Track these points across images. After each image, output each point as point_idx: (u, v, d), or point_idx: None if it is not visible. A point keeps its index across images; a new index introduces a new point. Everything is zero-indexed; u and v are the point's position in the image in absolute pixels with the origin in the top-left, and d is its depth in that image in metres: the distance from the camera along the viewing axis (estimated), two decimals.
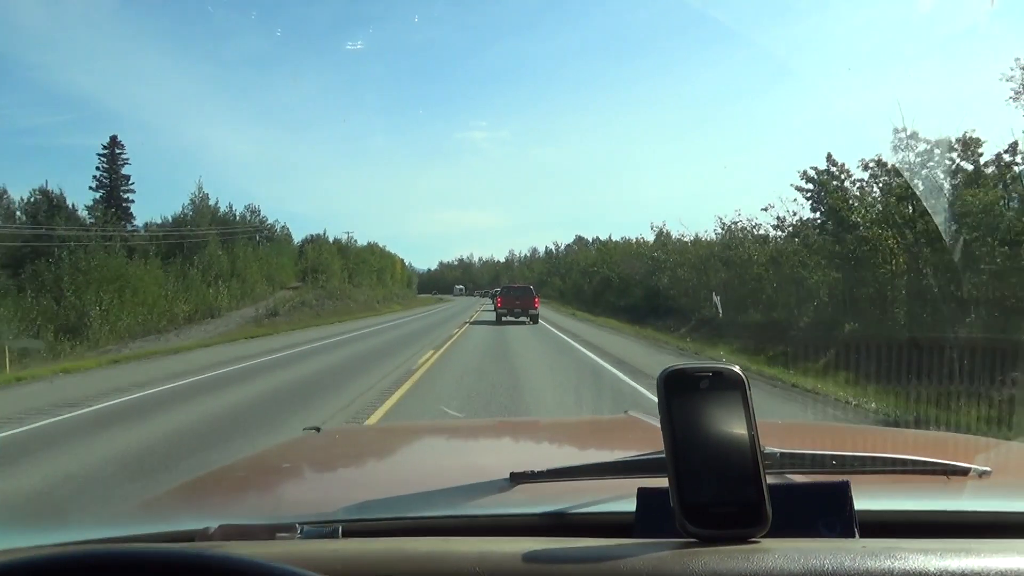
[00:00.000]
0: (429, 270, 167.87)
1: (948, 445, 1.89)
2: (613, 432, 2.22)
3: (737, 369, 0.86)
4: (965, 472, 1.13)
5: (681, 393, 0.85)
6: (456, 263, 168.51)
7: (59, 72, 71.87)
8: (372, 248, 77.51)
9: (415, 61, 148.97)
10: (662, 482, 0.86)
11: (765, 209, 25.01)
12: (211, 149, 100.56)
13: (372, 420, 8.54)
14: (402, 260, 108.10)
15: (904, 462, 1.16)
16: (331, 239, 65.12)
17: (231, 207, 67.19)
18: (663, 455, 0.85)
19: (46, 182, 45.13)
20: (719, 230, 29.93)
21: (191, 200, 53.06)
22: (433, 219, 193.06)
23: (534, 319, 31.60)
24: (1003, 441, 2.19)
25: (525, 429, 2.69)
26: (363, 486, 1.50)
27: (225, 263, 42.28)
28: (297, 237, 61.93)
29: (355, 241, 67.00)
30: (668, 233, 34.54)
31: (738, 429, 0.84)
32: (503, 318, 32.18)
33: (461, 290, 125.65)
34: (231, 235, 49.42)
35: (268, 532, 0.98)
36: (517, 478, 1.15)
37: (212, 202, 54.80)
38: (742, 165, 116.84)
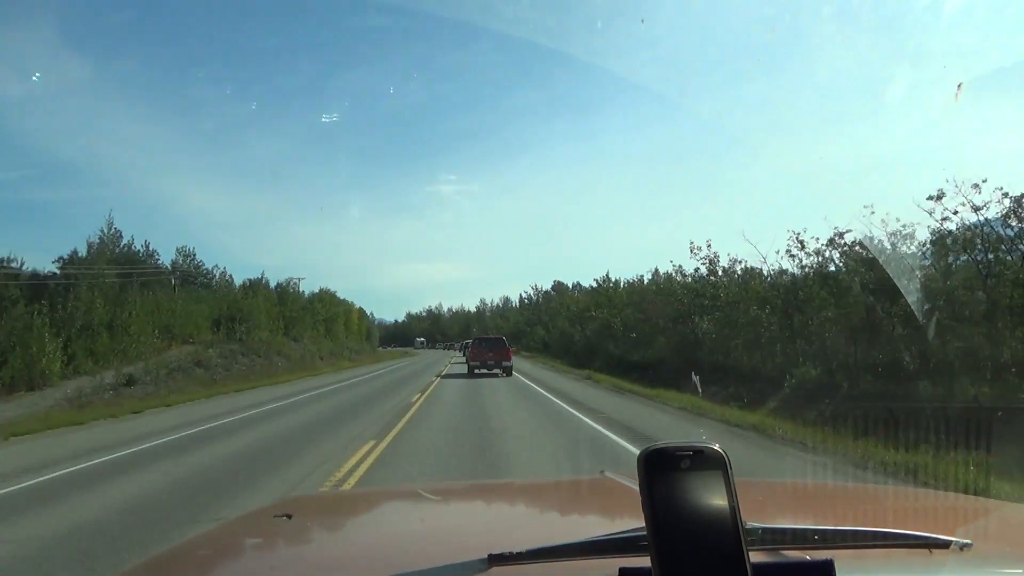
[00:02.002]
0: (396, 322, 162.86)
1: (929, 513, 1.87)
2: (591, 498, 2.21)
3: (718, 447, 0.86)
4: (947, 545, 1.12)
5: (662, 472, 0.84)
6: (424, 314, 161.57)
7: (35, 134, 70.34)
8: (322, 296, 66.34)
9: (386, 119, 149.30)
10: (644, 561, 0.85)
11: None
12: (183, 204, 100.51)
13: None
14: (361, 309, 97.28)
15: (886, 536, 1.15)
16: (272, 284, 54.37)
17: (147, 246, 56.41)
18: (644, 531, 0.84)
19: None
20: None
21: (99, 237, 42.68)
22: (402, 272, 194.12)
23: (507, 371, 30.06)
24: (983, 501, 2.15)
25: (501, 495, 2.57)
26: (333, 568, 1.43)
27: (100, 311, 30.90)
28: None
29: (296, 287, 55.83)
30: (716, 258, 24.28)
31: (720, 508, 0.83)
32: (476, 371, 30.64)
33: (422, 343, 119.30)
34: (131, 277, 38.53)
35: None
36: (495, 560, 1.10)
37: (127, 240, 44.54)
38: (701, 219, 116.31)
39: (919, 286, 13.93)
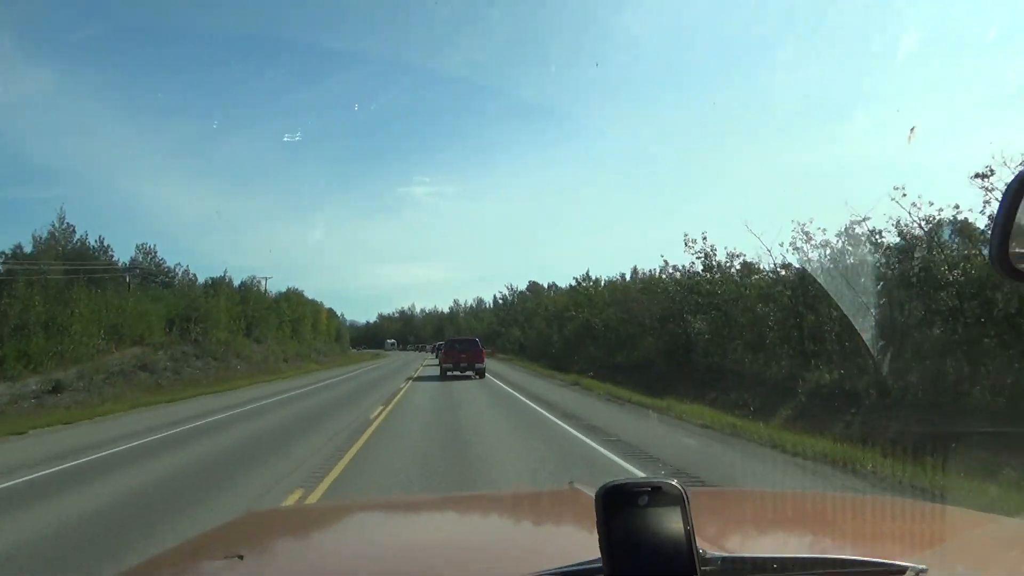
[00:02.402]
0: (368, 323, 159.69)
1: (887, 538, 1.82)
2: (558, 513, 2.20)
3: (676, 483, 0.87)
4: (903, 572, 1.13)
5: (620, 510, 0.84)
6: (397, 315, 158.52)
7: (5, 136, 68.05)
8: (288, 296, 63.56)
9: (359, 121, 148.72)
10: None
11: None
12: (154, 206, 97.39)
13: None
14: (330, 310, 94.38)
15: (844, 563, 1.17)
16: (237, 283, 51.58)
17: (101, 242, 53.39)
18: (600, 564, 0.84)
19: None
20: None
21: (50, 232, 40.07)
22: (374, 273, 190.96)
23: (480, 373, 29.68)
24: (938, 510, 2.13)
25: (465, 508, 2.53)
26: None
27: (39, 309, 28.17)
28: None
29: (261, 285, 53.06)
30: (713, 252, 22.30)
31: (678, 543, 0.83)
32: (448, 373, 29.90)
33: (392, 344, 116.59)
34: (78, 274, 35.87)
35: None
36: None
37: (80, 235, 41.91)
38: (673, 221, 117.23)
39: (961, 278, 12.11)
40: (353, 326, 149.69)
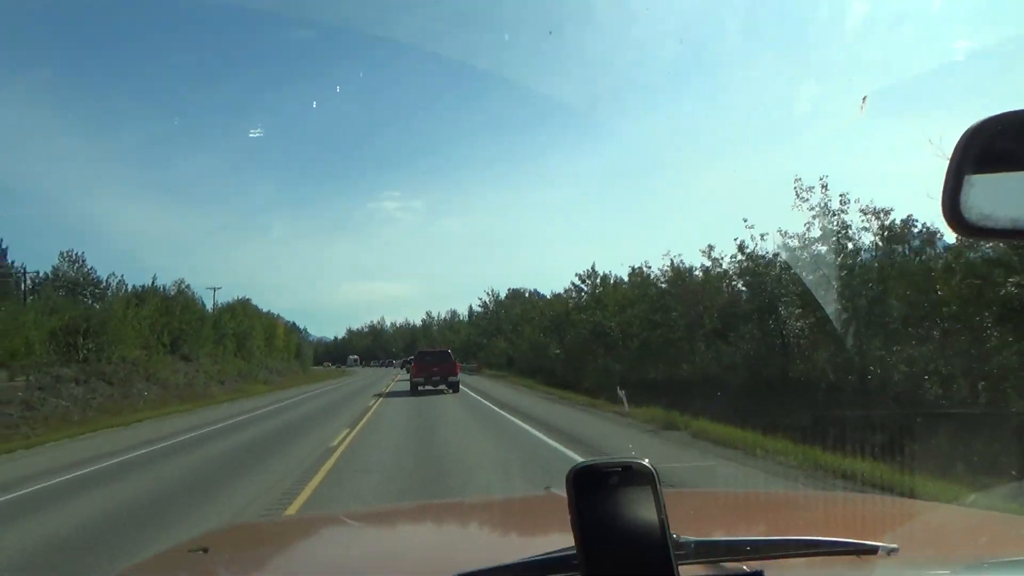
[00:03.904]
0: (336, 338, 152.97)
1: (858, 520, 1.86)
2: (534, 515, 2.18)
3: (647, 462, 0.85)
4: (874, 551, 1.13)
5: (591, 491, 0.83)
6: (366, 330, 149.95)
7: None
8: (233, 307, 54.61)
9: (321, 135, 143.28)
10: None
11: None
12: (106, 222, 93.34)
13: None
14: (291, 324, 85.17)
15: (816, 544, 1.16)
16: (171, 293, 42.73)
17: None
18: (575, 550, 0.83)
19: None
20: None
21: None
22: (343, 289, 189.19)
23: (454, 387, 27.61)
24: (908, 504, 2.20)
25: (445, 515, 2.46)
26: None
27: None
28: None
29: (194, 295, 44.12)
30: (845, 205, 14.35)
31: (650, 523, 0.83)
32: (419, 388, 27.71)
33: (355, 360, 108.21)
34: None
35: None
36: None
37: None
38: (637, 235, 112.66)
39: None
40: (322, 342, 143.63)
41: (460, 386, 28.59)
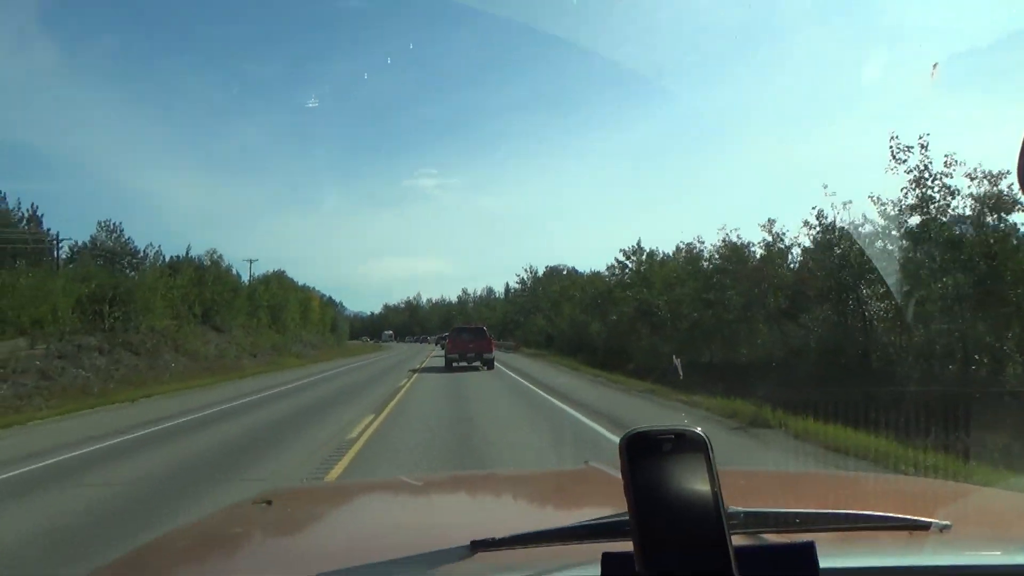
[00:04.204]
0: (372, 314, 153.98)
1: (908, 496, 1.89)
2: (575, 487, 2.17)
3: (699, 431, 0.86)
4: (927, 527, 1.12)
5: (643, 457, 0.84)
6: (402, 306, 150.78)
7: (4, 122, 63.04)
8: (272, 278, 53.97)
9: (364, 110, 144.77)
10: (627, 546, 0.84)
11: None
12: (159, 195, 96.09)
13: None
14: (327, 298, 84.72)
15: (867, 518, 1.16)
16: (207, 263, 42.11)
17: (33, 209, 44.32)
18: (627, 517, 0.84)
19: None
20: None
21: None
22: (380, 265, 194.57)
23: (489, 364, 27.22)
24: (962, 486, 2.21)
25: (484, 486, 2.49)
26: (316, 557, 1.35)
27: None
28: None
29: (229, 266, 43.33)
30: (953, 167, 12.31)
31: (702, 491, 0.83)
32: (454, 364, 27.33)
33: (390, 336, 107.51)
34: None
35: None
36: (477, 545, 1.09)
37: None
38: (684, 209, 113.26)
39: None
40: (358, 317, 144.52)
41: (497, 364, 27.68)
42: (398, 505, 2.02)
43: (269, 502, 1.81)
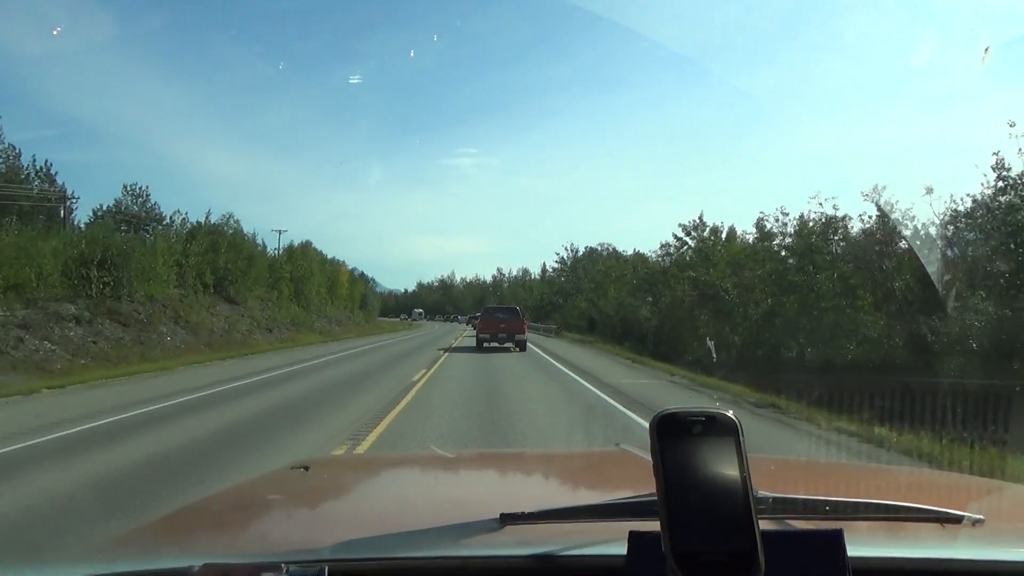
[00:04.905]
0: (406, 291, 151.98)
1: (942, 489, 1.82)
2: (604, 468, 2.16)
3: (730, 414, 0.85)
4: (959, 520, 1.09)
5: (674, 438, 0.84)
6: (436, 284, 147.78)
7: (54, 93, 65.36)
8: (295, 249, 50.98)
9: (404, 88, 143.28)
10: (654, 526, 0.84)
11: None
12: (200, 169, 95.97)
13: None
14: (358, 273, 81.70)
15: (898, 509, 1.13)
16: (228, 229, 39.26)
17: (48, 167, 42.00)
18: (655, 497, 0.84)
19: None
20: None
21: None
22: (415, 243, 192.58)
23: (521, 346, 26.02)
24: (995, 482, 2.07)
25: (514, 463, 2.52)
26: (349, 523, 1.41)
27: None
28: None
29: (243, 232, 40.22)
30: None
31: (731, 475, 0.83)
32: (485, 344, 26.50)
33: (420, 314, 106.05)
34: None
35: (253, 572, 0.96)
36: (507, 519, 1.10)
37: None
38: (727, 194, 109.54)
39: None
40: (392, 294, 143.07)
41: (545, 355, 23.98)
42: (430, 477, 2.05)
43: (306, 468, 1.86)
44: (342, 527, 1.31)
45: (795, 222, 21.26)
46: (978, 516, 1.10)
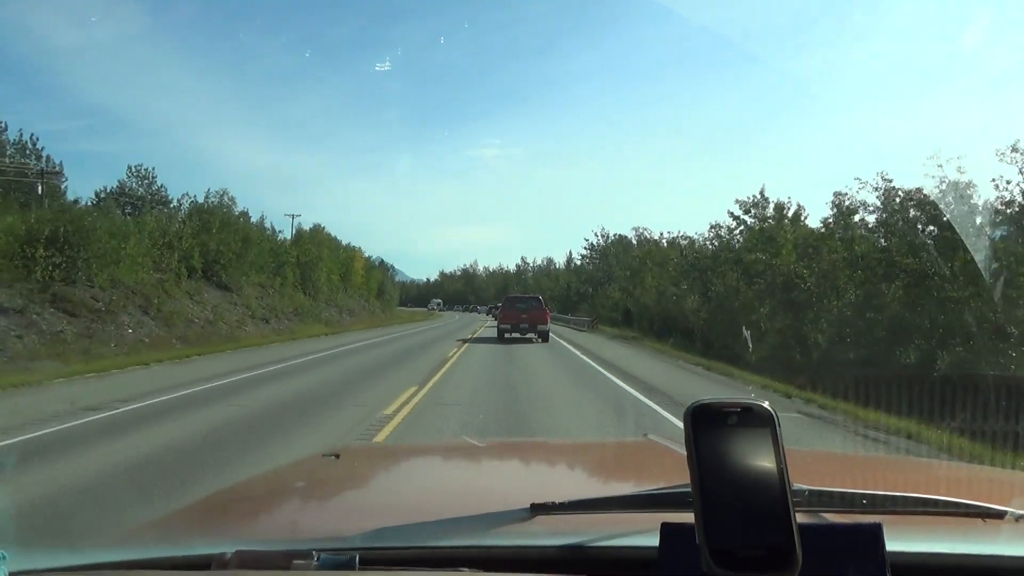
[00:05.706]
0: (428, 280, 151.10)
1: (983, 483, 1.77)
2: (634, 458, 2.14)
3: (767, 405, 0.84)
4: (1001, 515, 1.06)
5: (708, 428, 0.82)
6: (458, 273, 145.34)
7: (86, 85, 56.35)
8: (303, 234, 47.40)
9: (431, 79, 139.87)
10: (686, 517, 0.83)
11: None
12: (228, 159, 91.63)
13: None
14: (377, 260, 78.01)
15: (937, 503, 1.10)
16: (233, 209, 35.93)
17: (32, 141, 38.75)
18: (687, 488, 0.82)
19: None
20: None
21: None
22: (439, 233, 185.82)
23: (544, 336, 25.25)
24: None
25: (544, 453, 2.50)
26: (380, 511, 1.40)
27: None
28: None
29: (236, 209, 36.59)
30: None
31: (767, 467, 0.81)
32: (506, 335, 25.48)
33: (439, 304, 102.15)
34: None
35: (285, 559, 0.96)
36: (537, 509, 1.10)
37: None
38: (759, 182, 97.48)
39: None
40: (414, 283, 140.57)
41: (586, 358, 18.93)
42: (461, 466, 2.04)
43: (337, 456, 1.87)
44: (373, 515, 1.29)
45: (900, 193, 16.86)
46: (1022, 512, 1.06)
